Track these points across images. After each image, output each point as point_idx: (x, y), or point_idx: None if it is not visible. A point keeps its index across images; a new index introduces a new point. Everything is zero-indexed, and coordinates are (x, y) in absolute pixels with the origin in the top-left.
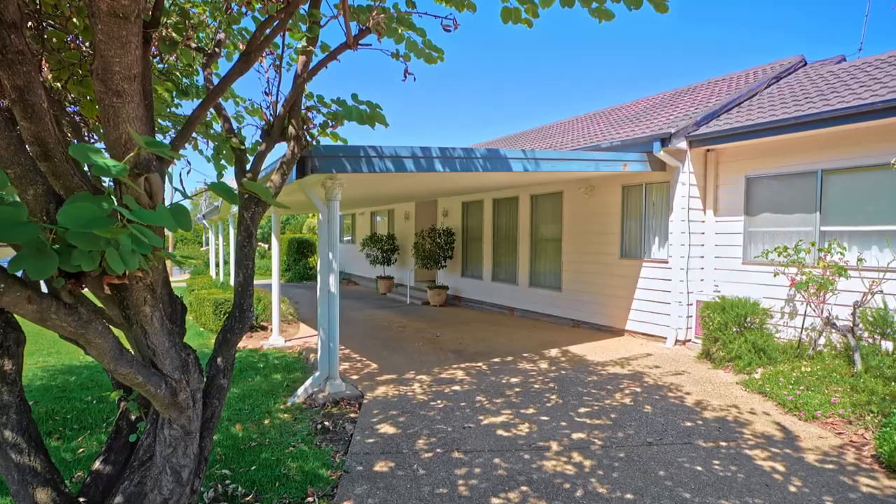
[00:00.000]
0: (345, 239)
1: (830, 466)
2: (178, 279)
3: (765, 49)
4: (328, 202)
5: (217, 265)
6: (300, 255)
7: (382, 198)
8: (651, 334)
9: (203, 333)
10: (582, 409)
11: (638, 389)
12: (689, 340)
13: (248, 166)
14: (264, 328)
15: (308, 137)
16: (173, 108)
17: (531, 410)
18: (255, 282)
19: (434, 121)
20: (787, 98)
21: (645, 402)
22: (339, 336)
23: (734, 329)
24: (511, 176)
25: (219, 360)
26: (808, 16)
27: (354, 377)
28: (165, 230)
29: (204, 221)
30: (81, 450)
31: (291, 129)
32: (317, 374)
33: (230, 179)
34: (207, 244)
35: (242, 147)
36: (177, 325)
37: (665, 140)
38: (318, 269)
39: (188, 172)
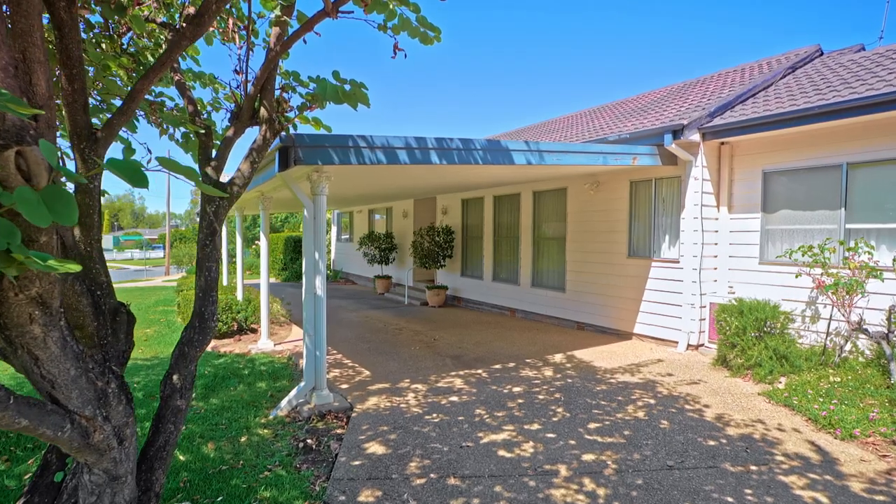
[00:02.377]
0: (343, 237)
1: (881, 498)
2: (172, 278)
3: (760, 48)
4: (314, 197)
5: None
6: (297, 253)
7: (377, 195)
8: (661, 338)
9: None
10: (592, 425)
11: (651, 401)
12: (702, 345)
13: (213, 153)
14: (254, 331)
15: (283, 121)
16: (149, 97)
17: (536, 426)
18: (247, 281)
19: (426, 121)
20: (806, 87)
21: (660, 417)
22: (331, 339)
23: (753, 334)
24: (513, 170)
25: (174, 377)
26: (807, 17)
27: (344, 386)
28: (165, 232)
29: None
30: (28, 475)
31: (263, 112)
32: (302, 384)
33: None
34: None
35: (205, 129)
36: (113, 343)
37: (677, 132)
38: (304, 269)
39: (148, 161)
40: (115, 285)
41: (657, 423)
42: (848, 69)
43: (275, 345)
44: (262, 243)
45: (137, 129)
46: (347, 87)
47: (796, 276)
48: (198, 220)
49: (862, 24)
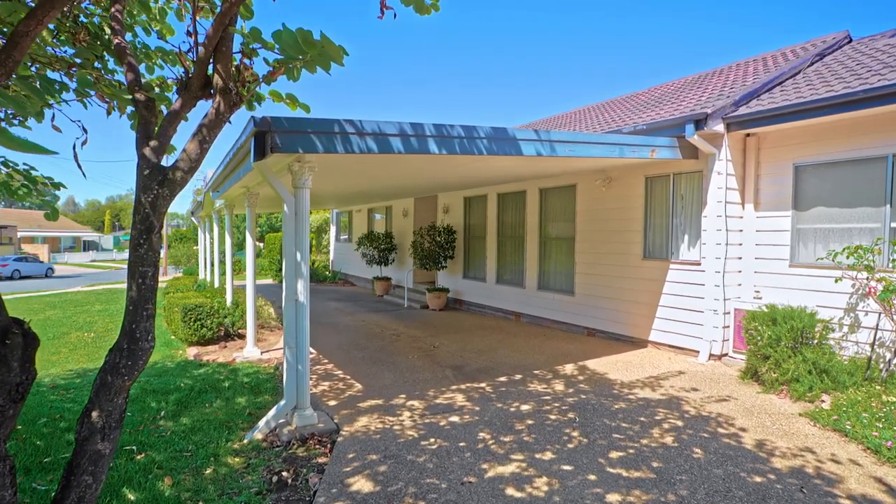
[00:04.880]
0: (342, 237)
1: None
2: (170, 278)
3: (761, 46)
4: (295, 191)
5: (206, 265)
6: None
7: (375, 193)
8: (680, 347)
9: (172, 343)
10: (613, 454)
11: (679, 423)
12: (726, 355)
13: (155, 130)
14: (242, 336)
15: (242, 92)
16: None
17: (548, 455)
18: (240, 282)
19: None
20: (841, 73)
21: (692, 443)
22: (323, 346)
23: (788, 345)
24: (519, 163)
25: (94, 414)
26: (807, 16)
27: (332, 403)
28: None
29: (195, 219)
30: None
31: (217, 80)
32: (282, 402)
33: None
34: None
35: (146, 101)
36: (2, 374)
37: (700, 122)
38: (284, 272)
39: (83, 143)
40: (111, 286)
41: (689, 451)
42: (887, 53)
43: (262, 353)
44: (248, 243)
45: (57, 100)
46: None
47: (836, 281)
48: (195, 220)
49: (866, 19)
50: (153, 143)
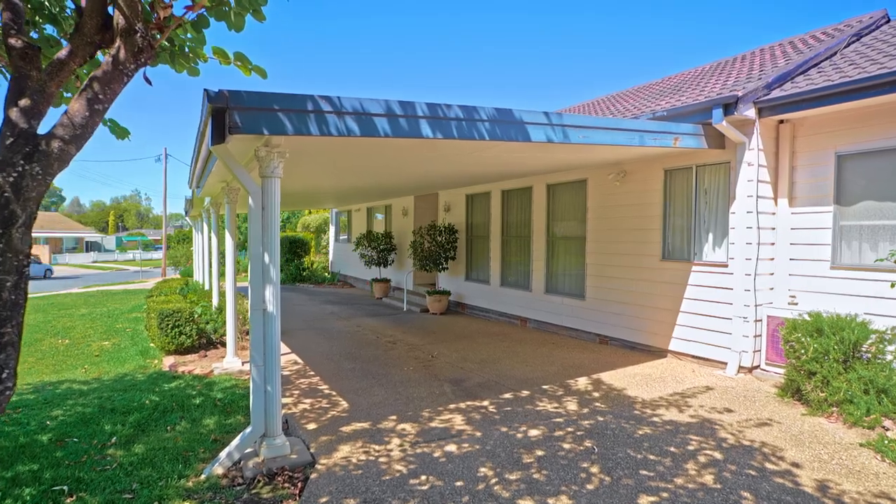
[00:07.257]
0: (341, 238)
1: None
2: (168, 279)
3: (748, 45)
4: (262, 180)
5: (200, 267)
6: (293, 254)
7: (368, 189)
8: (704, 357)
9: (150, 351)
10: (643, 500)
11: (717, 455)
12: (758, 367)
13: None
14: (225, 345)
15: (154, 35)
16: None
17: (564, 501)
18: (239, 284)
19: None
20: (888, 51)
21: (738, 484)
22: (312, 355)
23: (838, 359)
24: (526, 152)
25: None
26: (806, 16)
27: (312, 426)
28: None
29: (188, 218)
30: None
31: (118, 17)
32: (248, 430)
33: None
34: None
35: (23, 48)
36: None
37: (729, 106)
38: (249, 277)
39: None
40: (106, 287)
41: (736, 496)
42: None
43: (242, 363)
44: (228, 244)
45: None
46: None
47: (893, 286)
48: (188, 220)
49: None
50: (24, 101)
